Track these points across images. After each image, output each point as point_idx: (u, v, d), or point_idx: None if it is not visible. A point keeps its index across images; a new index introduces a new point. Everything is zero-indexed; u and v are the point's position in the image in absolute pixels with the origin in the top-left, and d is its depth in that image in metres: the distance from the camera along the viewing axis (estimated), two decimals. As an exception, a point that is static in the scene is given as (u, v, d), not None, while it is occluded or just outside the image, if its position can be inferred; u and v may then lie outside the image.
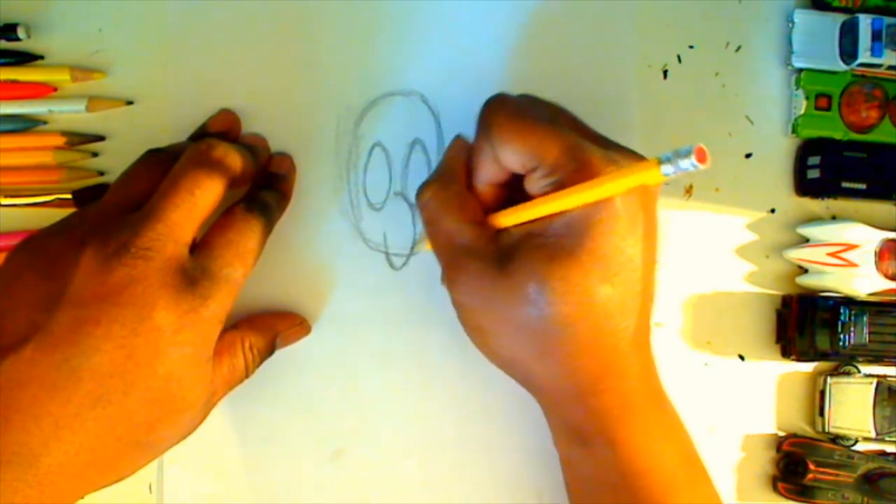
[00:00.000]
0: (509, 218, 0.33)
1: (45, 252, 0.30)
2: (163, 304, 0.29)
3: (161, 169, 0.33)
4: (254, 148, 0.37)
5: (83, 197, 0.39)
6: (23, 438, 0.27)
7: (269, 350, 0.37)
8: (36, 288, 0.29)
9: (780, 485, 0.41)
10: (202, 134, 0.38)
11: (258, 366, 0.36)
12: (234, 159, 0.34)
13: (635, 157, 0.31)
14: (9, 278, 0.30)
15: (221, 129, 0.38)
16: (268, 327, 0.37)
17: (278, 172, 0.38)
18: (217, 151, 0.33)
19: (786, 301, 0.42)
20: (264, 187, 0.37)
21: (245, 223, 0.33)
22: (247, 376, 0.36)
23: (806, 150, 0.42)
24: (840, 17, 0.41)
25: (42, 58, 0.39)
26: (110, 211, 0.32)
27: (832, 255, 0.41)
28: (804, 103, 0.41)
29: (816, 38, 0.41)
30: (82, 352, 0.28)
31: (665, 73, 0.42)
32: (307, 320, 0.39)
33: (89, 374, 0.28)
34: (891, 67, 0.40)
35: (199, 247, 0.32)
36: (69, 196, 0.39)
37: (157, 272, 0.29)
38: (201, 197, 0.32)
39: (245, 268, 0.33)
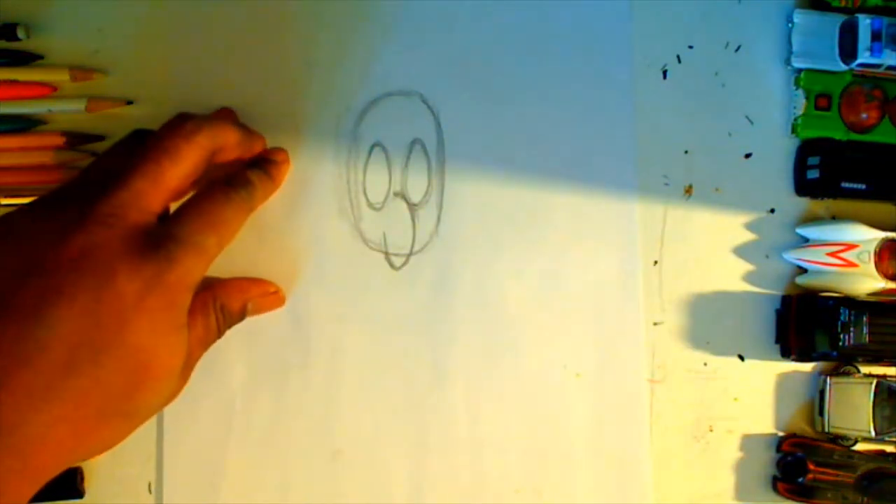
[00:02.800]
0: None
1: (15, 227, 0.30)
2: (125, 269, 0.29)
3: (141, 140, 0.33)
4: (247, 131, 0.37)
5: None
6: None
7: (241, 314, 0.37)
8: (6, 262, 0.29)
9: (780, 485, 0.41)
10: None
11: (228, 327, 0.36)
12: (210, 133, 0.33)
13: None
14: None
15: None
16: (240, 290, 0.37)
17: (269, 157, 0.38)
18: (190, 124, 0.33)
19: (786, 301, 0.42)
20: (251, 167, 0.36)
21: (222, 194, 0.33)
22: (218, 336, 0.35)
23: (806, 150, 0.42)
24: (840, 18, 0.41)
25: (42, 58, 0.39)
26: (79, 184, 0.32)
27: (832, 255, 0.41)
28: (804, 103, 0.41)
29: (816, 39, 0.41)
30: (46, 322, 0.28)
31: (664, 73, 0.42)
32: (282, 291, 0.39)
33: (57, 343, 0.27)
34: (890, 67, 0.40)
35: (171, 216, 0.32)
36: (69, 196, 0.39)
37: (119, 239, 0.29)
38: (169, 167, 0.31)
39: (218, 237, 0.32)
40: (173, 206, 0.33)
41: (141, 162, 0.31)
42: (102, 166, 0.33)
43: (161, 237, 0.30)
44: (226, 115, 0.39)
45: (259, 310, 0.38)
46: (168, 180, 0.31)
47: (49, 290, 0.28)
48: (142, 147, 0.32)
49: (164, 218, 0.32)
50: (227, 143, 0.35)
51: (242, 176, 0.35)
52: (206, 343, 0.35)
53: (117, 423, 0.30)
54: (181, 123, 0.33)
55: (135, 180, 0.30)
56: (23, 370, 0.27)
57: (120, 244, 0.29)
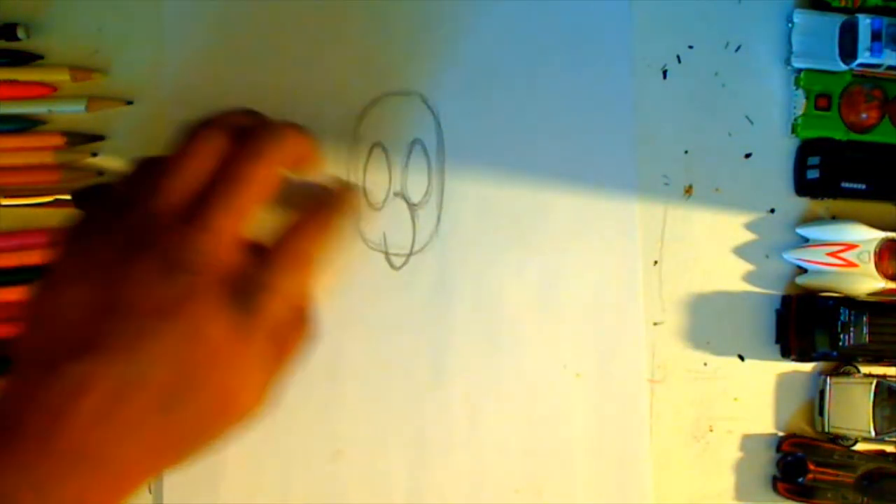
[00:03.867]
0: None
1: (94, 261, 0.30)
2: (215, 319, 0.30)
3: (208, 154, 0.32)
4: (308, 132, 0.35)
5: (83, 197, 0.39)
6: (94, 438, 0.28)
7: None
8: (91, 299, 0.30)
9: (780, 485, 0.41)
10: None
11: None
12: (282, 148, 0.32)
13: None
14: (60, 285, 0.30)
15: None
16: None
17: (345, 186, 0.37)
18: (263, 144, 0.32)
19: (785, 301, 0.42)
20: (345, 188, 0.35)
21: (319, 231, 0.33)
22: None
23: (806, 150, 0.42)
24: (840, 18, 0.41)
25: (42, 58, 0.39)
26: (157, 215, 0.31)
27: (832, 255, 0.41)
28: (804, 103, 0.41)
29: (816, 39, 0.41)
30: (141, 363, 0.29)
31: (664, 73, 0.42)
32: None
33: (150, 383, 0.29)
34: (890, 67, 0.40)
35: (265, 257, 0.32)
36: (69, 196, 0.39)
37: (209, 286, 0.30)
38: (250, 199, 0.31)
39: (307, 279, 0.32)
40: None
41: (225, 198, 0.31)
42: (180, 192, 0.31)
43: (250, 285, 0.31)
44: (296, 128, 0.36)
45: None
46: (247, 211, 0.31)
47: (143, 333, 0.29)
48: (219, 181, 0.31)
49: (248, 246, 0.32)
50: (297, 154, 0.34)
51: (338, 199, 0.34)
52: (292, 367, 0.35)
53: (196, 449, 0.31)
54: (250, 144, 0.32)
55: (218, 219, 0.30)
56: (119, 405, 0.28)
57: (209, 292, 0.30)
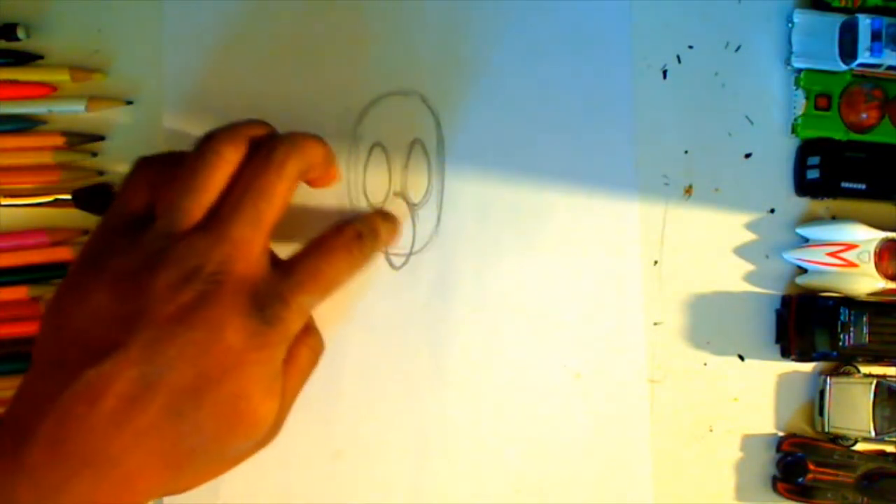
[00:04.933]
0: None
1: (116, 275, 0.31)
2: (233, 326, 0.30)
3: (227, 165, 0.32)
4: (328, 145, 0.35)
5: (83, 196, 0.39)
6: (104, 443, 0.29)
7: (322, 347, 0.37)
8: (111, 308, 0.30)
9: (780, 485, 0.41)
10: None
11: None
12: (299, 159, 0.33)
13: None
14: (84, 297, 0.31)
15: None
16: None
17: (386, 212, 0.38)
18: (279, 154, 0.32)
19: (785, 301, 0.42)
20: (379, 215, 0.36)
21: (344, 251, 0.33)
22: (312, 370, 0.36)
23: (806, 150, 0.42)
24: (840, 18, 0.41)
25: (42, 58, 0.39)
26: (177, 229, 0.31)
27: (832, 255, 0.41)
28: (804, 103, 0.41)
29: (816, 39, 0.41)
30: (158, 368, 0.29)
31: (664, 73, 0.42)
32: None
33: (165, 388, 0.29)
34: (891, 67, 0.40)
35: (284, 266, 0.32)
36: (69, 196, 0.39)
37: (228, 295, 0.30)
38: (267, 209, 0.32)
39: (327, 295, 0.33)
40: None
41: (239, 210, 0.31)
42: (198, 204, 0.32)
43: (269, 296, 0.31)
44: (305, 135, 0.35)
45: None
46: (267, 223, 0.32)
47: (161, 340, 0.29)
48: (236, 192, 0.32)
49: (275, 261, 0.32)
50: (314, 164, 0.34)
51: (373, 227, 0.35)
52: (303, 382, 0.35)
53: (207, 463, 0.32)
54: (269, 155, 0.32)
55: (236, 230, 0.31)
56: (133, 410, 0.29)
57: (228, 300, 0.30)
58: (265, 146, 0.33)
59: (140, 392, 0.29)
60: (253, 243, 0.31)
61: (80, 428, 0.28)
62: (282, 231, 0.39)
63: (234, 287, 0.30)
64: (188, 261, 0.30)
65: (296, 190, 0.33)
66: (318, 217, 0.40)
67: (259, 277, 0.31)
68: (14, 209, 0.39)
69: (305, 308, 0.32)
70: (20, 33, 0.39)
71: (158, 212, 0.32)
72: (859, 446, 0.41)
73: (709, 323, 0.42)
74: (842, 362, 0.41)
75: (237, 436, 0.31)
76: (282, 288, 0.32)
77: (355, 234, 0.34)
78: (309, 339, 0.35)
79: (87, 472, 0.28)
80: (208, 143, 0.33)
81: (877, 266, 0.41)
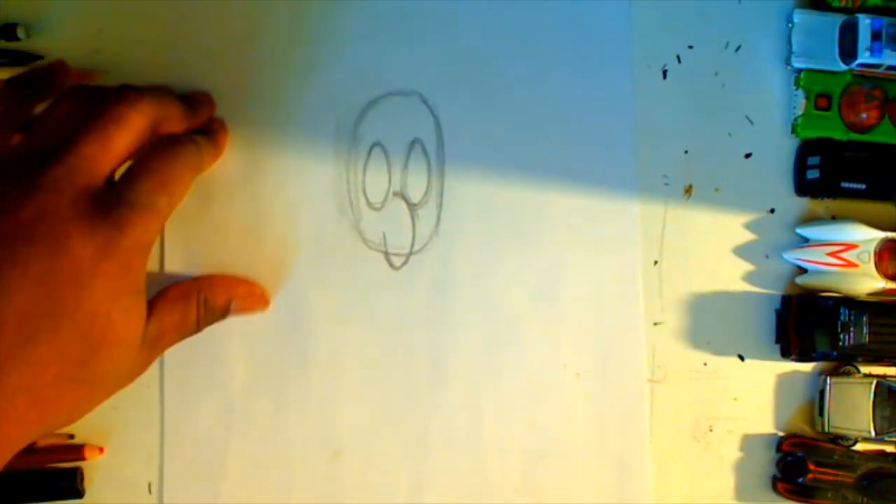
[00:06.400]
0: None
1: None
2: (78, 235, 0.29)
3: (84, 107, 0.32)
4: (192, 100, 0.37)
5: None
6: None
7: (223, 311, 0.37)
8: None
9: (780, 485, 0.41)
10: None
11: (209, 324, 0.36)
12: (152, 101, 0.33)
13: None
14: None
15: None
16: (225, 287, 0.37)
17: (211, 127, 0.38)
18: (133, 92, 0.32)
19: (785, 301, 0.42)
20: (196, 132, 0.36)
21: (169, 152, 0.33)
22: (197, 330, 0.35)
23: (806, 150, 0.42)
24: (840, 17, 0.41)
25: (42, 58, 0.39)
26: (24, 150, 0.31)
27: (832, 255, 0.41)
28: (804, 103, 0.41)
29: (816, 39, 0.41)
30: (1, 294, 0.27)
31: (664, 73, 0.42)
32: (267, 294, 0.39)
33: (12, 315, 0.27)
34: (890, 67, 0.40)
35: (120, 178, 0.32)
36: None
37: (70, 204, 0.29)
38: (116, 132, 0.31)
39: (168, 196, 0.32)
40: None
41: (88, 127, 0.31)
42: (45, 130, 0.32)
43: (112, 201, 0.30)
44: (165, 90, 0.37)
45: (242, 309, 0.38)
46: (116, 146, 0.31)
47: (2, 261, 0.28)
48: (88, 114, 0.31)
49: (112, 182, 0.32)
50: (170, 114, 0.34)
51: (188, 136, 0.35)
52: (182, 332, 0.35)
53: (77, 391, 0.30)
54: (124, 91, 0.32)
55: (83, 146, 0.30)
56: None
57: (71, 209, 0.29)
58: (122, 86, 0.33)
59: None
60: (99, 161, 0.30)
61: None
62: (281, 230, 0.39)
63: (77, 197, 0.29)
64: (29, 170, 0.29)
65: (149, 132, 0.33)
66: (319, 215, 0.40)
67: (102, 191, 0.30)
68: None
69: (154, 210, 0.31)
70: (20, 33, 0.39)
71: (24, 135, 0.32)
72: (859, 446, 0.41)
73: (709, 323, 0.42)
74: (842, 362, 0.41)
75: (102, 357, 0.29)
76: (125, 191, 0.31)
77: (190, 138, 0.34)
78: (211, 298, 0.35)
79: None
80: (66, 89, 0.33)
81: (877, 266, 0.41)
